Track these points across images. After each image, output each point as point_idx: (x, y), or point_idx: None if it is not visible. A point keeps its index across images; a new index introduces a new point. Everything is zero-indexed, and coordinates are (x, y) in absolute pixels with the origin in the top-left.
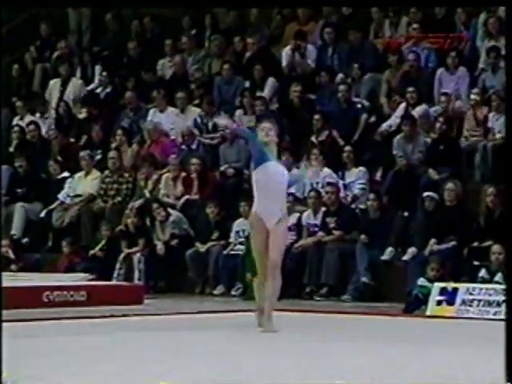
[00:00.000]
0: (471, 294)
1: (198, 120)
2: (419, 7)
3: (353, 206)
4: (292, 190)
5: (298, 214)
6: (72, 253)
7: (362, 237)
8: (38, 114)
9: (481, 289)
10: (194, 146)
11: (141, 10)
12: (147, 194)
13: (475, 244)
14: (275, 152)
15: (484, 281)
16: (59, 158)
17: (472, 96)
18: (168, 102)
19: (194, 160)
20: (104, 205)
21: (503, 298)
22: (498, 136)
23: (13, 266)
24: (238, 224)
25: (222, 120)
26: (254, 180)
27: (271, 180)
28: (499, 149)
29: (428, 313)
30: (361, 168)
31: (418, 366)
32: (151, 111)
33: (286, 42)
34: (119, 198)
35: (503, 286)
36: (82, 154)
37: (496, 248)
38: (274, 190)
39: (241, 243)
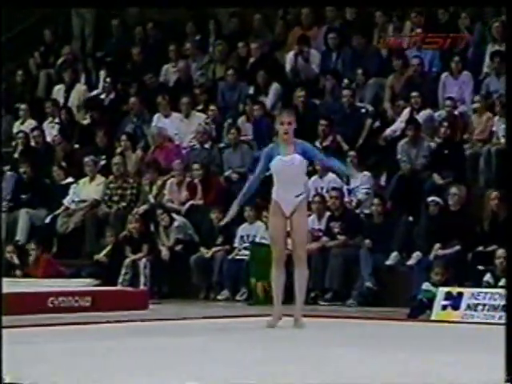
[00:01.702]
0: (476, 298)
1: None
2: (423, 9)
3: (357, 210)
4: None
5: None
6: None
7: (367, 242)
8: (42, 120)
9: (486, 293)
10: (197, 152)
11: (144, 16)
12: (152, 200)
13: (480, 248)
14: (290, 145)
15: (489, 285)
16: (63, 164)
17: (476, 100)
18: (172, 107)
19: (199, 165)
20: (108, 210)
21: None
22: (502, 140)
23: (18, 272)
24: (243, 229)
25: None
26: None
27: (280, 173)
28: (503, 153)
29: (433, 317)
30: (365, 173)
31: (422, 370)
32: (156, 116)
33: (290, 47)
34: (124, 204)
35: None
36: (86, 159)
37: (500, 252)
38: (284, 181)
39: (245, 248)
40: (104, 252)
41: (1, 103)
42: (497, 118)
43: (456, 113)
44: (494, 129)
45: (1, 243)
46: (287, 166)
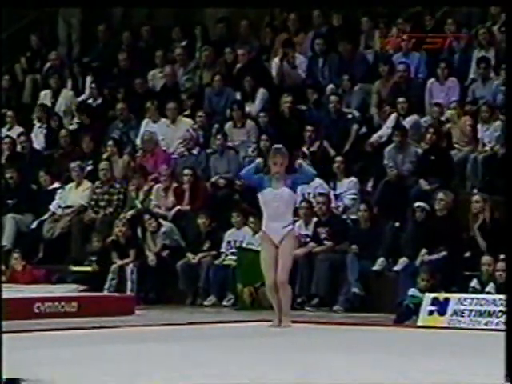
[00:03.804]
0: (462, 304)
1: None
2: (409, 15)
3: (344, 216)
4: None
5: None
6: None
7: (353, 247)
8: (31, 126)
9: (472, 299)
10: (185, 157)
11: (131, 21)
12: (138, 205)
13: (466, 254)
14: (280, 179)
15: (475, 291)
16: (50, 169)
17: (461, 106)
18: (159, 112)
19: (186, 171)
20: (95, 216)
21: (496, 307)
22: (487, 147)
23: (3, 278)
24: (230, 234)
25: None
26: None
27: (269, 205)
28: (489, 159)
29: (419, 323)
30: (352, 178)
31: (409, 376)
32: (144, 122)
33: (277, 53)
34: (110, 209)
35: (494, 296)
36: (72, 164)
37: (486, 259)
38: (273, 213)
39: (232, 254)
40: (86, 268)
41: (0, 99)
42: (481, 123)
43: (442, 119)
44: (478, 135)
45: (0, 249)
46: (277, 198)
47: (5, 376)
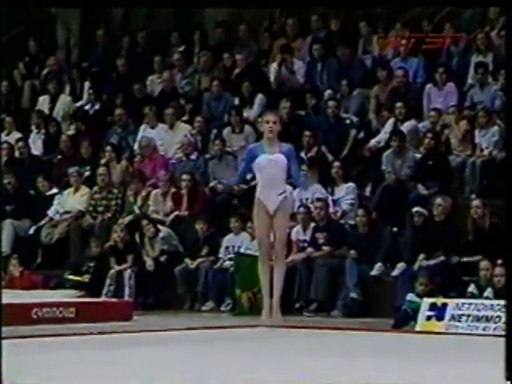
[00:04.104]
0: (460, 309)
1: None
2: (407, 20)
3: (342, 221)
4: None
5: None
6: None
7: (351, 252)
8: (29, 131)
9: (470, 304)
10: (183, 163)
11: (129, 26)
12: (136, 210)
13: (464, 259)
14: (275, 144)
15: (473, 296)
16: (48, 175)
17: (459, 111)
18: (157, 118)
19: (184, 176)
20: (93, 221)
21: (494, 312)
22: (485, 152)
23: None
24: (228, 240)
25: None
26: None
27: (264, 172)
28: (487, 164)
29: (417, 328)
30: (350, 183)
31: (408, 381)
32: (142, 127)
33: (275, 58)
34: (108, 214)
35: (492, 302)
36: (70, 170)
37: (484, 264)
38: (268, 180)
39: (230, 259)
40: (82, 278)
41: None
42: (479, 129)
43: (441, 124)
44: (476, 140)
45: (0, 255)
46: (273, 164)
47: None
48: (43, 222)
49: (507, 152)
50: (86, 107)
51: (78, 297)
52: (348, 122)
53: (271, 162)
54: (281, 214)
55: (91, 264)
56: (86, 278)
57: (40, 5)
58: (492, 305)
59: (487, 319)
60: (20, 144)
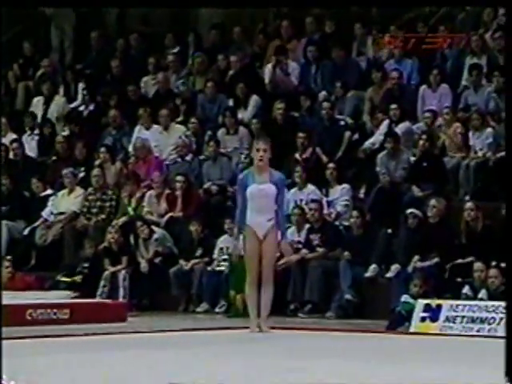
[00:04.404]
0: (455, 310)
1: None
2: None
3: (336, 222)
4: None
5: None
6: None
7: (346, 254)
8: (22, 133)
9: (464, 305)
10: (178, 164)
11: (124, 28)
12: (131, 212)
13: (458, 261)
14: (265, 173)
15: (467, 298)
16: (42, 176)
17: (453, 113)
18: (152, 119)
19: (179, 177)
20: (87, 222)
21: (488, 314)
22: (479, 154)
23: None
24: (222, 241)
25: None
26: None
27: (254, 200)
28: (481, 166)
29: (412, 329)
30: (344, 185)
31: (402, 382)
32: (137, 128)
33: (269, 59)
34: (103, 216)
35: (486, 303)
36: (64, 171)
37: (478, 265)
38: (258, 207)
39: (224, 260)
40: (74, 278)
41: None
42: (473, 131)
43: (435, 125)
44: (470, 142)
45: (0, 255)
46: (263, 194)
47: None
48: (37, 224)
49: (507, 152)
50: (81, 108)
51: (72, 298)
52: (342, 123)
53: (261, 191)
54: (270, 239)
55: (85, 265)
56: (78, 278)
57: (37, 4)
58: (486, 306)
59: (481, 321)
60: (14, 145)
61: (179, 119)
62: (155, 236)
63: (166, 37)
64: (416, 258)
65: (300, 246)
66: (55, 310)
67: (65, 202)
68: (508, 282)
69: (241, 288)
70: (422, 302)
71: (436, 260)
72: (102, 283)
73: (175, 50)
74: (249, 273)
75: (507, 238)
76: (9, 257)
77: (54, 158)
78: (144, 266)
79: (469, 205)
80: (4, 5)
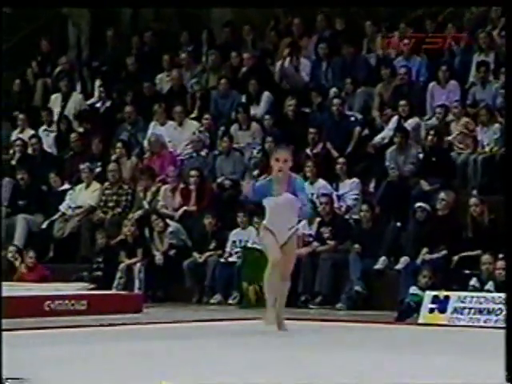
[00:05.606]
0: (462, 302)
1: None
2: (411, 20)
3: (346, 216)
4: None
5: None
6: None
7: (356, 246)
8: (39, 128)
9: (472, 297)
10: (192, 159)
11: (139, 26)
12: (146, 206)
13: (466, 253)
14: (283, 184)
15: (475, 289)
16: (60, 171)
17: (462, 109)
18: (166, 115)
19: (193, 172)
20: (104, 216)
21: (495, 305)
22: (486, 149)
23: (14, 276)
24: (235, 234)
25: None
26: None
27: (272, 212)
28: (488, 161)
29: (420, 321)
30: (354, 179)
31: (411, 373)
32: (152, 124)
33: (281, 56)
34: (119, 210)
35: (493, 294)
36: (81, 166)
37: (486, 258)
38: (278, 218)
39: (237, 253)
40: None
41: (1, 109)
42: (481, 126)
43: (443, 121)
44: (478, 137)
45: (0, 247)
46: (281, 206)
47: (14, 375)
48: (55, 217)
49: (507, 149)
50: (97, 105)
51: (90, 290)
52: (352, 119)
53: (279, 204)
54: (289, 247)
55: (99, 259)
56: (98, 273)
57: (41, 4)
58: (493, 297)
59: (489, 312)
60: (33, 141)
61: (193, 115)
62: (170, 229)
63: (179, 35)
64: (424, 250)
65: (311, 239)
66: (73, 302)
67: (82, 196)
68: (508, 275)
69: (253, 279)
70: (430, 293)
71: (444, 252)
72: (118, 275)
73: (189, 48)
74: (272, 255)
75: (507, 232)
76: (28, 249)
77: (71, 153)
78: (159, 258)
79: (473, 200)
80: (4, 5)
